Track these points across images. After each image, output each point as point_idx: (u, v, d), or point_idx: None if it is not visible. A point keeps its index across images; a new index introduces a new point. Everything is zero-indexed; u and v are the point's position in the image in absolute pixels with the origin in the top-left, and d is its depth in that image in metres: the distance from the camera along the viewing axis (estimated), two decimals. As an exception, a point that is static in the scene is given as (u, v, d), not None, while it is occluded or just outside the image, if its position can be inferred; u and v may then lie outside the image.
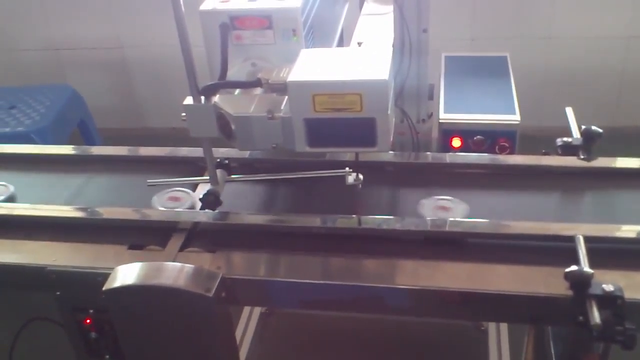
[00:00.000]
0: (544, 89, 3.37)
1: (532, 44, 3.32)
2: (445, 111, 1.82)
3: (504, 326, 2.13)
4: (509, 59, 2.09)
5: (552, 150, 1.49)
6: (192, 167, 1.50)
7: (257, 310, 2.27)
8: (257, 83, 1.20)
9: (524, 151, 1.59)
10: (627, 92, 3.42)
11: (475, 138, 1.74)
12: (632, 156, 1.45)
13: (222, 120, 1.22)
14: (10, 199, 1.46)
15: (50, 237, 1.34)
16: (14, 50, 3.75)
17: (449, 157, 1.54)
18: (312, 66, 1.16)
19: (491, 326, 2.14)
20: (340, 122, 1.12)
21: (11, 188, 1.49)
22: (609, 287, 1.06)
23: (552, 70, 3.38)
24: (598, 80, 3.38)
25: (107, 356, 1.31)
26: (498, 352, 2.04)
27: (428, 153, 1.79)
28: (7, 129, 2.83)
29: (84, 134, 3.21)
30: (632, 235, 1.22)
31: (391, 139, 1.16)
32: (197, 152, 1.32)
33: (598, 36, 3.28)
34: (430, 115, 1.92)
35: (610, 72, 3.37)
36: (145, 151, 1.63)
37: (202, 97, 1.21)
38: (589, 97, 3.36)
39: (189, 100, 1.21)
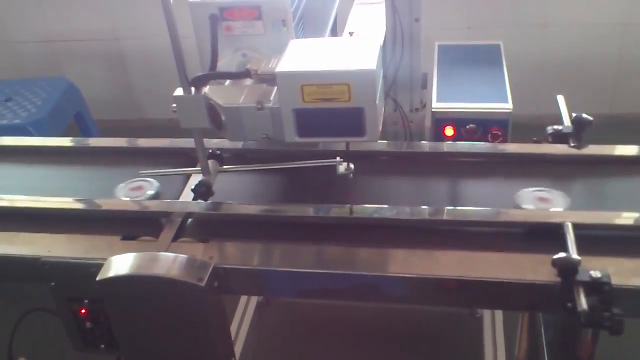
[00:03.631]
0: (540, 77, 3.37)
1: (528, 31, 3.31)
2: (439, 100, 1.82)
3: (498, 313, 2.15)
4: (502, 47, 2.08)
5: (543, 138, 1.50)
6: (188, 158, 1.50)
7: (254, 300, 2.29)
8: (246, 74, 1.21)
9: (518, 140, 1.59)
10: (624, 80, 3.41)
11: (467, 127, 1.75)
12: (629, 144, 1.45)
13: (213, 111, 1.22)
14: None
15: (44, 228, 1.35)
16: (11, 43, 3.74)
17: (441, 147, 1.55)
18: (301, 57, 1.16)
19: (486, 313, 2.15)
20: (329, 113, 1.13)
21: None
22: (596, 274, 1.07)
23: (549, 58, 3.37)
24: (594, 68, 3.37)
25: (103, 346, 1.32)
26: (493, 339, 2.06)
27: (422, 142, 1.80)
28: (4, 122, 2.83)
29: (81, 126, 3.21)
30: (621, 222, 1.22)
31: (380, 129, 1.17)
32: (193, 143, 1.33)
33: (594, 23, 3.27)
34: (424, 105, 1.92)
35: (607, 60, 3.36)
36: (142, 143, 1.64)
37: (193, 89, 1.22)
38: (585, 85, 3.36)
39: (179, 92, 1.22)
